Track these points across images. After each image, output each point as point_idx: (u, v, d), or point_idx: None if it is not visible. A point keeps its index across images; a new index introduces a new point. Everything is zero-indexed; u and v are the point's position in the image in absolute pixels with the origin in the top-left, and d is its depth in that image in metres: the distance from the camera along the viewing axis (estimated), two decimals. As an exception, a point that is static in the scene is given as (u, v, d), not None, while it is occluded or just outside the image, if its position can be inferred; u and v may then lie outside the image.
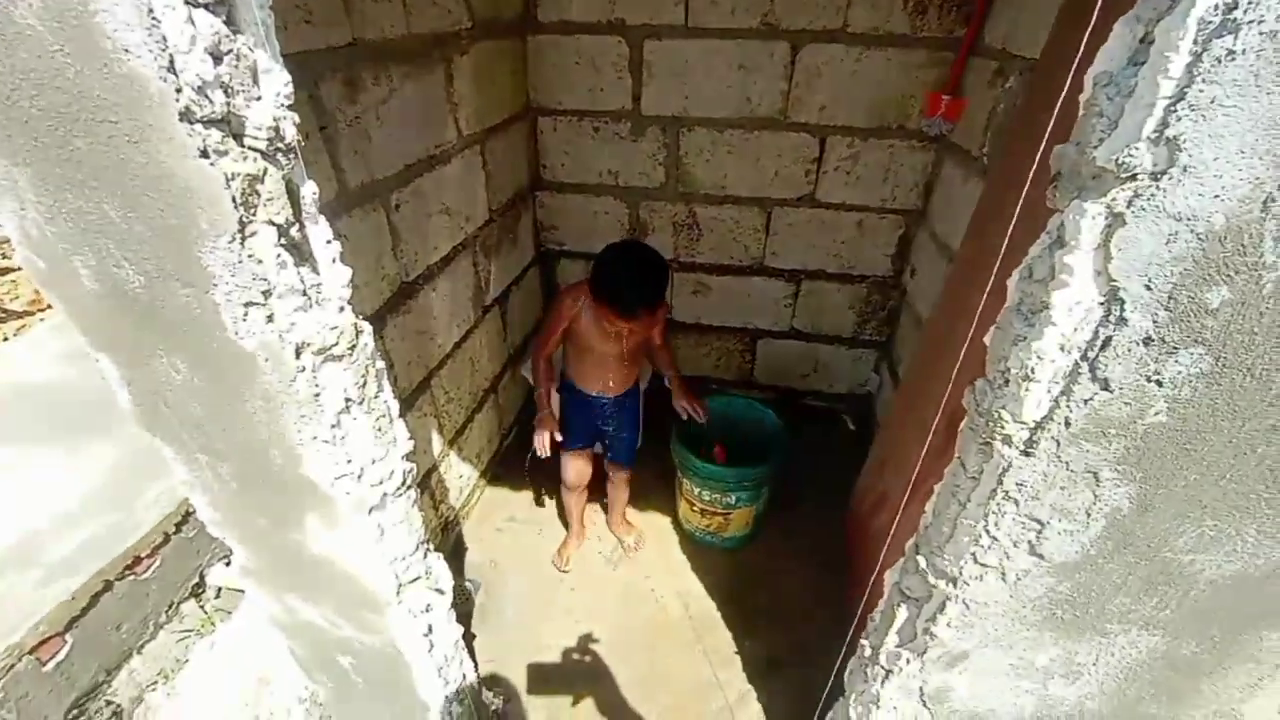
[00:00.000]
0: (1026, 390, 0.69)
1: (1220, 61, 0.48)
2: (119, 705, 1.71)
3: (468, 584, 2.12)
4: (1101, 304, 0.61)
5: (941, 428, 1.05)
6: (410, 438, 1.07)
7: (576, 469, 2.06)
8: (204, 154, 0.66)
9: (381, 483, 1.02)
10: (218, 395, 0.89)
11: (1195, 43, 0.48)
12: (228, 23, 0.64)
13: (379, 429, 0.98)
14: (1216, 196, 0.52)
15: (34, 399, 2.29)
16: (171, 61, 0.61)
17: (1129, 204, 0.55)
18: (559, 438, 1.86)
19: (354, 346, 0.89)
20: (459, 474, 2.22)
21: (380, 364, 0.97)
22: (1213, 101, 0.49)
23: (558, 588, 2.14)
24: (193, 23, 0.60)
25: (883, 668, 1.07)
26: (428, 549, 1.23)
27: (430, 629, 1.29)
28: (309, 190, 0.80)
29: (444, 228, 1.84)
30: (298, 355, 0.82)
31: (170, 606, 1.87)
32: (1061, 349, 0.65)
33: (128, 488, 1.88)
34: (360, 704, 1.58)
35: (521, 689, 1.82)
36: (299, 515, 1.05)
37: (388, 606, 1.18)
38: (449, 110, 1.77)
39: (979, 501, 0.82)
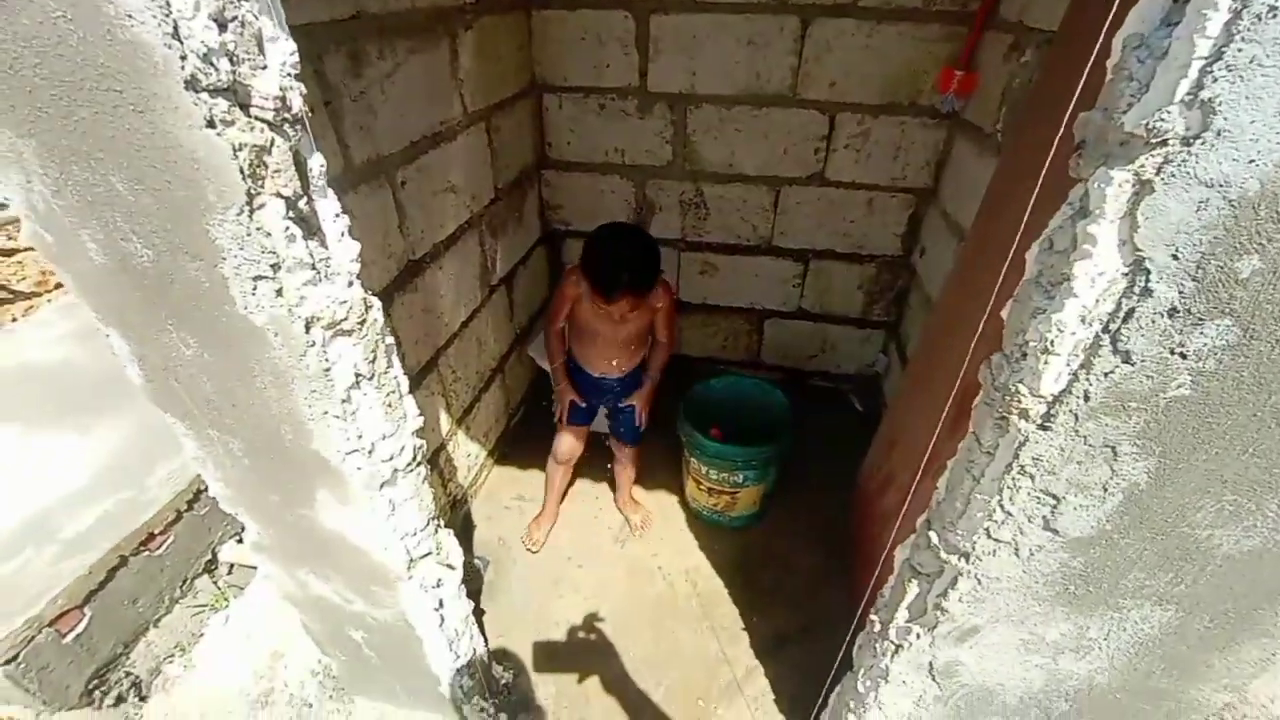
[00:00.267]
0: (1045, 364, 0.68)
1: (1261, 19, 0.46)
2: (137, 676, 1.75)
3: (476, 561, 2.14)
4: (1125, 275, 0.60)
5: (954, 405, 1.04)
6: (420, 414, 1.07)
7: (569, 444, 2.07)
8: (210, 123, 0.65)
9: (392, 458, 1.02)
10: (228, 370, 0.89)
11: (1236, -1, 0.46)
12: (232, -14, 0.63)
13: (389, 405, 0.98)
14: (1251, 161, 0.50)
15: (43, 379, 2.31)
16: (176, 28, 0.60)
17: (1158, 170, 0.53)
18: (581, 404, 1.93)
19: (364, 321, 0.89)
20: (467, 453, 2.23)
21: (390, 339, 0.96)
22: (1251, 61, 0.47)
23: (565, 565, 2.16)
24: (197, -15, 0.59)
25: (892, 642, 1.08)
26: (438, 525, 1.24)
27: (441, 604, 1.31)
28: (317, 163, 0.79)
29: (450, 206, 1.82)
30: (307, 330, 0.82)
31: (184, 582, 1.90)
32: (1082, 321, 0.64)
33: (139, 466, 1.90)
34: (373, 677, 1.61)
35: (530, 663, 1.84)
36: (310, 491, 1.06)
37: (399, 582, 1.20)
38: (454, 86, 1.74)
39: (993, 477, 0.82)
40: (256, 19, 0.67)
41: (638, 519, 2.28)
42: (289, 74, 0.71)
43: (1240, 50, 0.47)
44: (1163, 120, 0.51)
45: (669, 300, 1.79)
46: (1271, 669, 0.92)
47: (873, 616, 1.17)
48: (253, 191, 0.70)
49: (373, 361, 0.93)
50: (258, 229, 0.72)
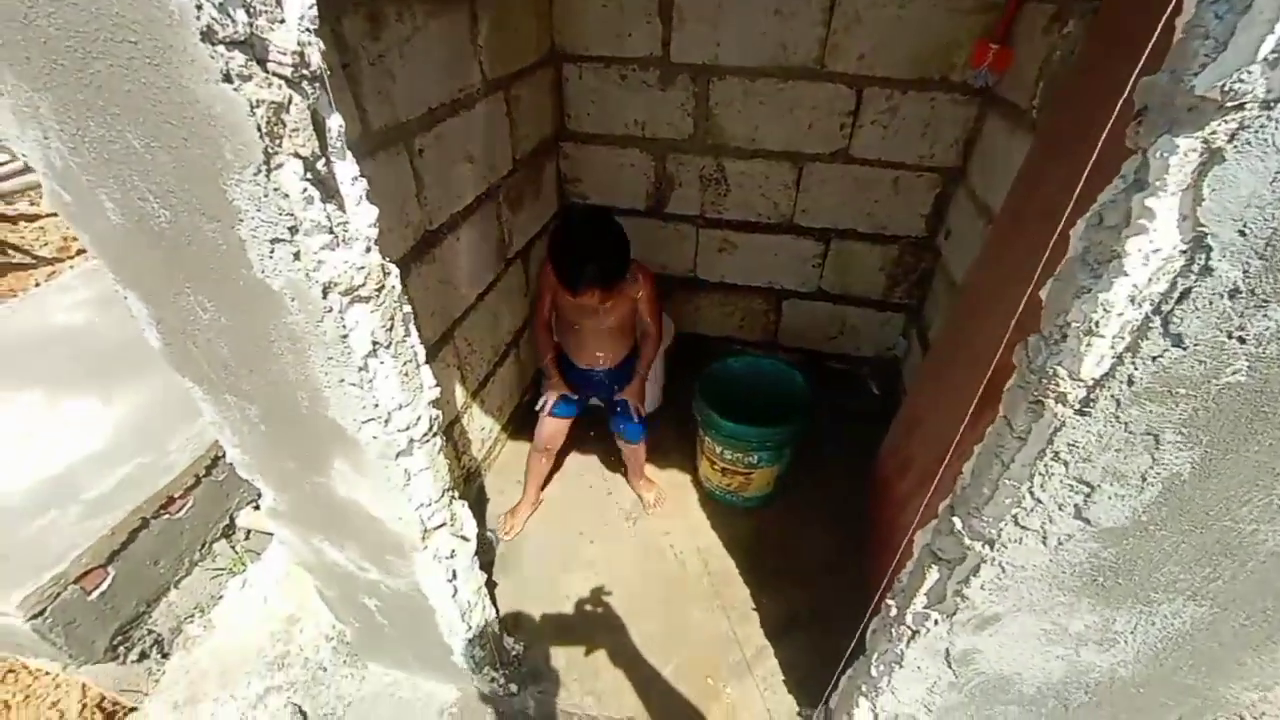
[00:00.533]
0: (1088, 346, 0.65)
1: (1362, -32, 0.42)
2: (159, 635, 1.79)
3: (489, 534, 2.16)
4: (1184, 252, 0.57)
5: (982, 388, 1.01)
6: (436, 385, 1.06)
7: (549, 432, 2.02)
8: (227, 78, 0.63)
9: (408, 428, 1.01)
10: (245, 335, 0.88)
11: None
12: (248, -69, 0.60)
13: (406, 374, 0.97)
14: (1339, 128, 0.46)
15: (66, 343, 2.34)
16: (191, -27, 0.57)
17: (1231, 138, 0.50)
18: (573, 397, 1.88)
19: (381, 288, 0.87)
20: (481, 426, 2.24)
21: (407, 308, 0.95)
22: (1348, 15, 0.43)
23: (578, 540, 2.17)
24: (212, -73, 0.56)
25: (909, 628, 1.07)
26: (453, 496, 1.24)
27: (454, 575, 1.31)
28: (335, 123, 0.76)
29: (467, 176, 1.80)
30: (325, 295, 0.80)
31: (203, 545, 1.94)
32: (1132, 301, 0.60)
33: (159, 430, 1.93)
34: (386, 644, 1.63)
35: (542, 635, 1.86)
36: (326, 459, 1.06)
37: (413, 552, 1.20)
38: (473, 52, 1.70)
39: (1024, 462, 0.79)
40: (273, -32, 0.65)
41: (651, 497, 2.28)
42: (307, 29, 0.69)
43: (1335, 4, 0.43)
44: (1241, 82, 0.47)
45: (649, 287, 1.71)
46: (1305, 668, 0.90)
47: (889, 601, 1.16)
48: (270, 150, 0.68)
49: (390, 329, 0.92)
50: (275, 190, 0.71)
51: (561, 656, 1.81)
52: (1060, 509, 0.78)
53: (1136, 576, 0.79)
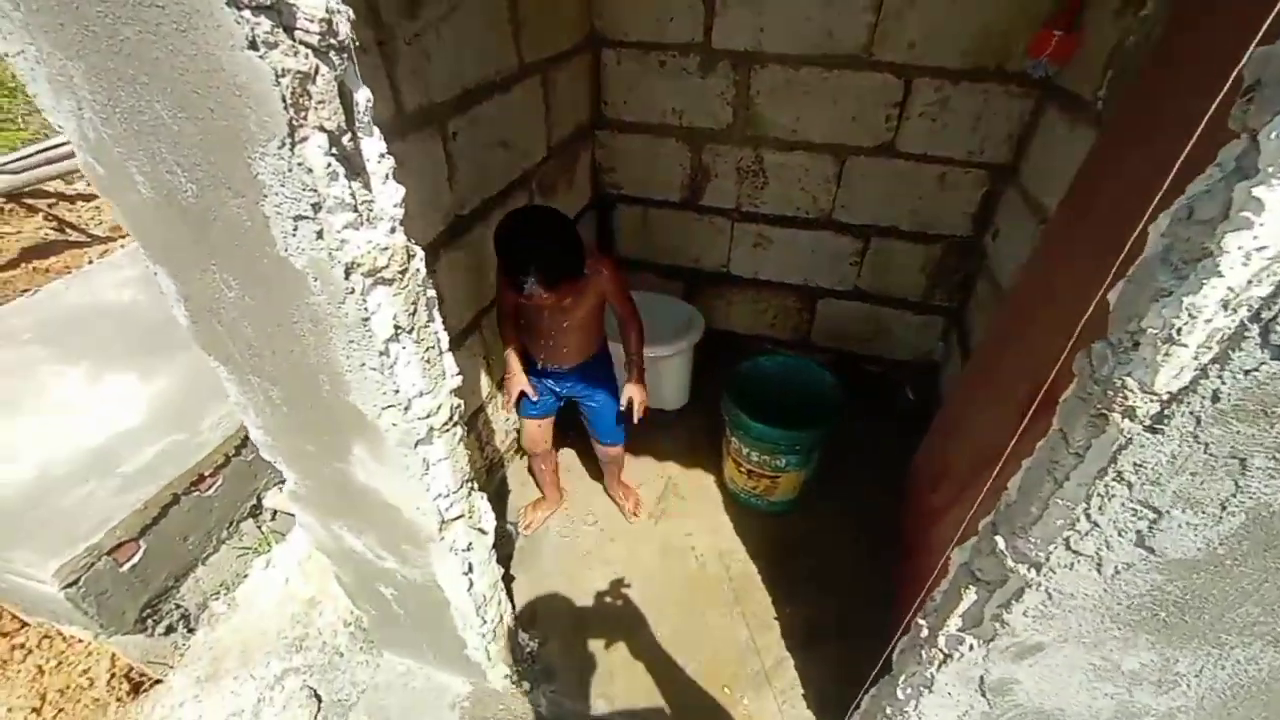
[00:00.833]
0: (1165, 355, 0.59)
1: None
2: (186, 610, 1.83)
3: (509, 526, 2.15)
4: (1294, 252, 0.50)
5: (1033, 398, 0.94)
6: (459, 373, 1.04)
7: (528, 434, 1.96)
8: (252, 44, 0.61)
9: (429, 416, 0.99)
10: (268, 315, 0.87)
11: None
12: (274, -112, 0.58)
13: (428, 360, 0.95)
14: None
15: (112, 319, 2.41)
16: (214, -67, 0.55)
17: (1362, 119, 0.43)
18: (534, 396, 1.78)
19: (405, 271, 0.85)
20: (506, 416, 2.23)
21: (432, 292, 0.93)
22: None
23: (598, 537, 2.14)
24: (235, -118, 0.54)
25: (941, 651, 1.00)
26: (472, 488, 1.22)
27: (470, 568, 1.29)
28: (363, 97, 0.74)
29: (501, 161, 1.78)
30: (347, 276, 0.78)
31: (231, 524, 1.97)
32: (1225, 306, 0.54)
33: (193, 409, 1.96)
34: (401, 633, 1.63)
35: (557, 633, 1.84)
36: (346, 444, 1.04)
37: (430, 542, 1.19)
38: (511, 34, 1.68)
39: (1080, 481, 0.72)
40: (302, -69, 0.62)
41: (630, 505, 2.20)
42: (336, -4, 0.66)
43: None
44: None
45: (614, 278, 1.59)
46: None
47: (919, 620, 1.10)
48: (295, 123, 0.66)
49: (413, 314, 0.89)
50: (299, 164, 0.69)
51: (576, 655, 1.78)
52: (1120, 535, 0.71)
53: (1207, 615, 0.72)
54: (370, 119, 0.76)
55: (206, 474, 1.85)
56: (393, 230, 0.82)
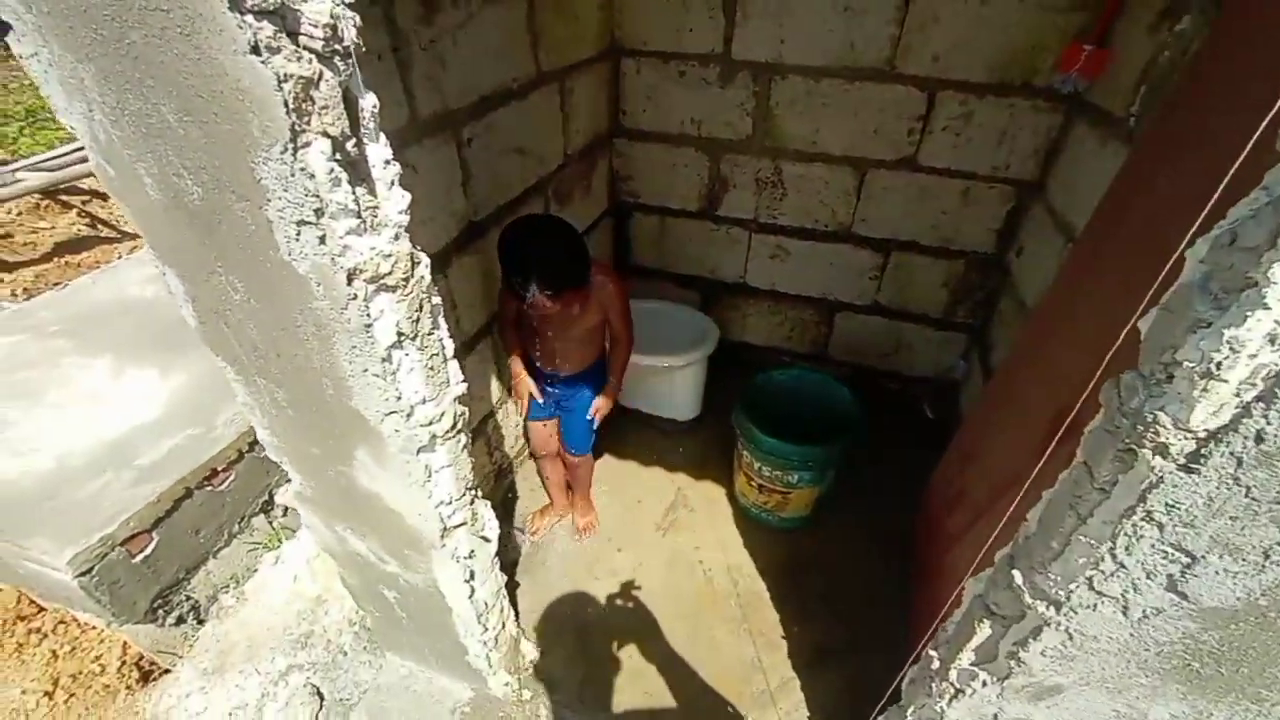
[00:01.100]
0: (1203, 391, 0.55)
1: None
2: (196, 601, 1.84)
3: (516, 531, 2.13)
4: (1346, 286, 0.46)
5: (1055, 426, 0.89)
6: (464, 380, 1.03)
7: (536, 439, 1.97)
8: (255, 49, 0.60)
9: (431, 423, 0.98)
10: (272, 318, 0.87)
11: None
12: (279, -108, 0.57)
13: (431, 368, 0.94)
14: None
15: (135, 315, 2.46)
16: (217, -64, 0.55)
17: None
18: (540, 398, 1.80)
19: (409, 278, 0.84)
20: (516, 422, 2.22)
21: (437, 299, 0.91)
22: None
23: (605, 546, 2.12)
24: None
25: (952, 684, 0.96)
26: (475, 495, 1.20)
27: (472, 575, 1.28)
28: (368, 103, 0.73)
29: (517, 168, 1.77)
30: (349, 281, 0.77)
31: (242, 519, 1.98)
32: (1272, 342, 0.50)
33: (208, 405, 1.98)
34: (404, 636, 1.62)
35: (561, 642, 1.82)
36: (349, 448, 1.04)
37: (431, 549, 1.17)
38: (529, 41, 1.67)
39: (1106, 518, 0.69)
40: (308, -65, 0.62)
41: (584, 522, 2.16)
42: (342, 0, 0.65)
43: None
44: None
45: (618, 293, 1.58)
46: None
47: (930, 651, 1.05)
48: (297, 128, 0.65)
49: (416, 321, 0.88)
50: (301, 169, 0.68)
51: (578, 667, 1.76)
52: (1149, 578, 0.67)
53: (1245, 669, 0.67)
54: (376, 125, 0.75)
55: (220, 469, 1.87)
56: (397, 237, 0.81)
